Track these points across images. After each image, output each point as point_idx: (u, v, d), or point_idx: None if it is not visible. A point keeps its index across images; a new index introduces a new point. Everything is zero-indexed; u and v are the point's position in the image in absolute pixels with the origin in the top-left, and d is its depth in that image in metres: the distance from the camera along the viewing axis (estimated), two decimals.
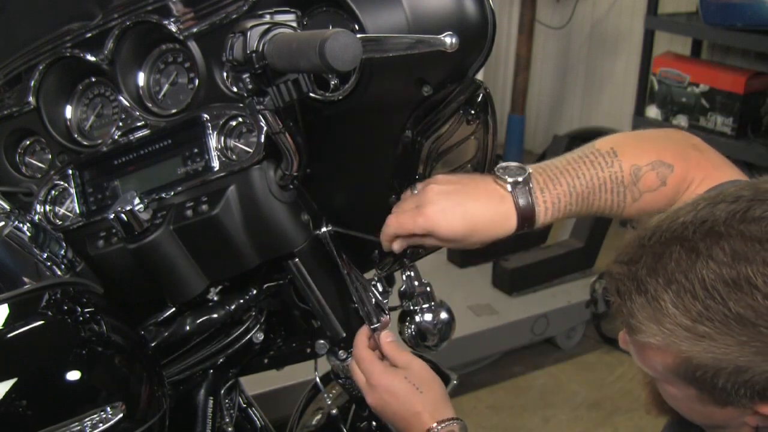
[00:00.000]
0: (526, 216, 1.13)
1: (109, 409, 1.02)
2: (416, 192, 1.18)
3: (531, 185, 1.13)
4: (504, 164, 1.16)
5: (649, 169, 1.13)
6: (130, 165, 1.29)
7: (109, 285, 1.25)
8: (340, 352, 1.33)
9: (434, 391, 1.21)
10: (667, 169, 1.13)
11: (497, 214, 1.13)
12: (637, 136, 1.20)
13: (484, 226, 1.14)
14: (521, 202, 1.13)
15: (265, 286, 1.33)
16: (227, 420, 1.42)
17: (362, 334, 1.27)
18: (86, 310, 1.15)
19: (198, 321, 1.30)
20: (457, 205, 1.14)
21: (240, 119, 1.21)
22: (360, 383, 1.23)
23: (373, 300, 1.32)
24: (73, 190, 1.33)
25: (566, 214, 1.15)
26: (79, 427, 0.99)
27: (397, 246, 1.21)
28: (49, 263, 1.20)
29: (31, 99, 1.34)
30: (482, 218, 1.14)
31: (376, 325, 1.27)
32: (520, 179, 1.13)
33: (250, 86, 1.07)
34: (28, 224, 1.25)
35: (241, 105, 1.21)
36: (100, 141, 1.34)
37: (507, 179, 1.13)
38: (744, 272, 0.87)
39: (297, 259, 1.25)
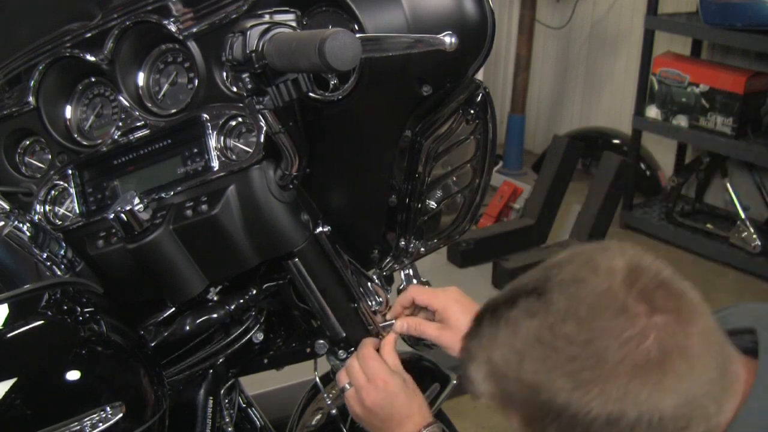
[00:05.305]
0: None
1: (108, 408, 1.02)
2: None
3: None
4: None
5: None
6: (130, 165, 1.29)
7: (109, 285, 1.25)
8: (340, 351, 1.33)
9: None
10: None
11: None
12: None
13: None
14: None
15: (265, 286, 1.33)
16: (227, 420, 1.42)
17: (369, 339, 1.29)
18: (86, 309, 1.15)
19: (198, 321, 1.30)
20: None
21: (239, 119, 1.22)
22: (359, 381, 1.23)
23: (372, 303, 1.32)
24: (72, 190, 1.33)
25: None
26: (78, 427, 0.99)
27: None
28: (49, 263, 1.20)
29: (30, 99, 1.35)
30: None
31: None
32: None
33: (249, 86, 1.07)
34: (28, 224, 1.25)
35: (241, 105, 1.21)
36: (99, 141, 1.34)
37: None
38: None
39: (296, 259, 1.25)
